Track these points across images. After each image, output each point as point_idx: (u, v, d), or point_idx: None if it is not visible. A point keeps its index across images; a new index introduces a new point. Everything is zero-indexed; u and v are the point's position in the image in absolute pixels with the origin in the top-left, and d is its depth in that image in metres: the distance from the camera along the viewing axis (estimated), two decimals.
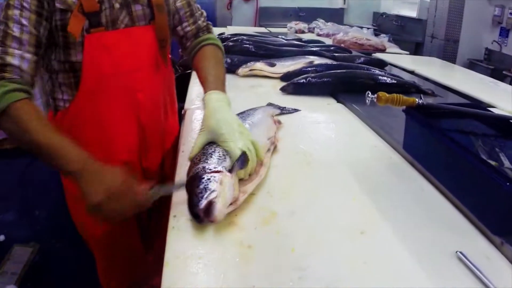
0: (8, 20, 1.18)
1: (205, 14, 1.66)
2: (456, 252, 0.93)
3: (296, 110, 1.81)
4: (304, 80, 2.05)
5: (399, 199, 1.17)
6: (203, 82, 1.43)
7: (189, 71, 3.17)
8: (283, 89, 2.08)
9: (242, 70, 2.34)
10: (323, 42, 3.47)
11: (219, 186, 1.01)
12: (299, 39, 3.53)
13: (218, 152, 1.14)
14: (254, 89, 2.12)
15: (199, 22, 1.59)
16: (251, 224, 1.01)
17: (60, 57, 1.31)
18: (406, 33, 5.72)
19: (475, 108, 1.45)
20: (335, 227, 1.01)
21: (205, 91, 1.34)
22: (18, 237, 2.94)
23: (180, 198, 1.10)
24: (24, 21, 1.18)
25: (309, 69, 2.25)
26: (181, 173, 1.24)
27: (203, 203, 0.96)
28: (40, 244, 2.87)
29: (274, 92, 2.10)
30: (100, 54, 1.31)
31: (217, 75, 1.42)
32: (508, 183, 0.93)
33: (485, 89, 2.49)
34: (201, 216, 0.96)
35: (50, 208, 3.25)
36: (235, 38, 2.84)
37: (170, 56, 3.58)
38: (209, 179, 1.03)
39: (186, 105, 1.84)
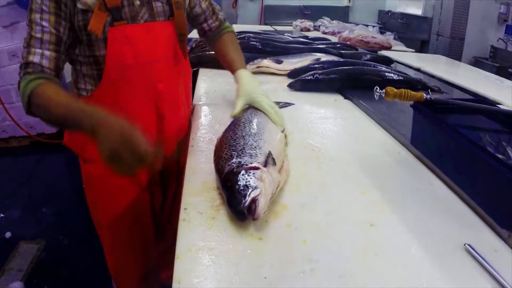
0: (31, 23, 1.28)
1: (219, 7, 1.85)
2: (464, 244, 0.94)
3: (289, 104, 1.85)
4: (311, 77, 2.07)
5: (408, 193, 1.18)
6: (230, 63, 1.71)
7: (195, 68, 3.18)
8: (290, 86, 2.09)
9: (249, 67, 2.33)
10: (329, 40, 3.47)
11: (261, 183, 1.01)
12: (305, 37, 3.53)
13: (249, 148, 1.16)
14: (261, 86, 2.09)
15: (219, 16, 1.81)
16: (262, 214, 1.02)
17: (85, 52, 1.39)
18: (412, 31, 5.69)
19: (482, 104, 1.46)
20: (346, 220, 1.02)
21: (236, 69, 1.66)
22: (25, 234, 2.96)
23: (190, 191, 1.12)
24: (44, 23, 1.28)
25: (316, 66, 2.25)
26: (191, 166, 1.26)
27: (248, 200, 0.96)
28: (47, 241, 2.88)
29: (281, 89, 2.11)
30: (123, 45, 1.38)
31: (240, 58, 1.73)
32: None
33: (491, 87, 2.49)
34: (246, 213, 0.96)
35: (57, 205, 3.27)
36: (241, 36, 2.84)
37: None
38: (248, 175, 1.03)
39: (195, 101, 1.85)
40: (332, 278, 0.84)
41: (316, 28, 4.65)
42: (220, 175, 1.10)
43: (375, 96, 1.37)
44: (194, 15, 1.70)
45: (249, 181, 1.01)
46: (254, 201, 0.95)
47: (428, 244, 0.96)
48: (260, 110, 1.50)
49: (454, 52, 4.84)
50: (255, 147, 1.17)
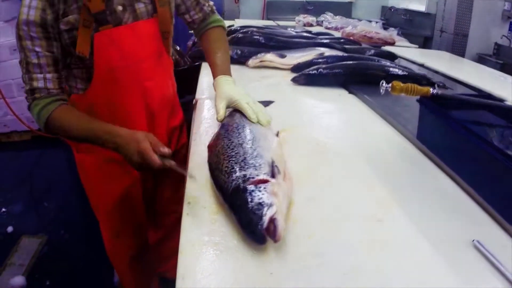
0: (24, 50, 1.33)
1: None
2: (473, 240, 0.93)
3: (269, 102, 1.73)
4: (316, 71, 2.05)
5: (415, 188, 1.17)
6: (211, 66, 1.64)
7: (197, 63, 3.16)
8: (294, 80, 2.07)
9: (252, 61, 2.33)
10: (332, 35, 3.45)
11: (275, 198, 0.91)
12: (309, 32, 3.51)
13: (251, 157, 1.06)
14: (264, 80, 2.12)
15: (205, 8, 1.74)
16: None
17: (76, 61, 1.44)
18: (415, 27, 5.66)
19: (488, 100, 1.44)
20: (352, 215, 1.01)
21: (215, 76, 1.57)
22: (27, 228, 2.96)
23: (194, 185, 1.11)
24: (37, 48, 1.32)
25: (320, 60, 2.24)
26: (194, 160, 1.26)
27: (265, 221, 0.86)
28: (48, 236, 2.88)
29: (285, 83, 2.10)
30: (109, 49, 1.41)
31: (222, 59, 1.63)
32: None
33: (495, 83, 2.47)
34: (266, 236, 0.86)
35: (59, 200, 3.26)
36: (244, 30, 2.83)
37: (178, 48, 3.58)
38: (260, 190, 0.92)
39: (197, 95, 1.84)
40: (338, 274, 0.82)
41: (319, 24, 4.62)
42: (224, 192, 1.00)
43: (381, 90, 1.36)
44: (176, 4, 1.66)
45: (261, 197, 0.90)
46: (272, 220, 0.86)
47: (436, 240, 0.94)
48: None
49: (458, 48, 4.82)
50: (256, 156, 1.06)
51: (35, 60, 1.33)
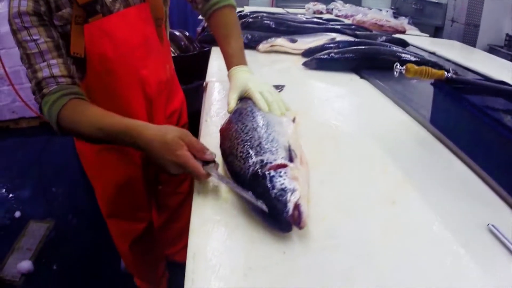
0: (21, 43, 1.21)
1: None
2: (488, 224, 0.91)
3: (282, 86, 1.66)
4: (327, 56, 2.03)
5: (428, 172, 1.15)
6: (224, 56, 1.50)
7: (206, 48, 3.15)
8: (305, 64, 2.05)
9: (262, 46, 2.31)
10: (343, 22, 3.43)
11: (296, 183, 0.87)
12: (320, 18, 3.48)
13: (266, 142, 1.01)
14: (275, 65, 2.10)
15: None
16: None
17: (67, 52, 1.31)
18: (425, 17, 5.61)
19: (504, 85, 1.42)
20: (366, 197, 0.99)
21: (229, 67, 1.44)
22: (34, 213, 2.98)
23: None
24: (35, 36, 1.21)
25: (332, 45, 2.21)
26: (205, 141, 1.23)
27: (290, 208, 0.82)
28: (56, 220, 2.89)
29: (296, 68, 2.08)
30: (101, 40, 1.33)
31: (235, 47, 1.48)
32: None
33: (507, 73, 2.44)
34: (292, 224, 0.83)
35: (67, 185, 3.28)
36: (255, 15, 2.80)
37: (187, 34, 3.55)
38: (280, 176, 0.88)
39: (208, 78, 1.82)
40: (354, 255, 0.81)
41: (329, 11, 4.59)
42: (240, 179, 0.95)
43: (395, 72, 1.34)
44: None
45: (283, 183, 0.86)
46: (296, 206, 0.83)
47: (450, 223, 0.93)
48: None
49: (469, 39, 4.78)
50: (271, 140, 1.01)
51: (34, 50, 1.21)
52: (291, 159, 0.96)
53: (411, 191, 1.04)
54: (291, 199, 0.83)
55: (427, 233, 0.89)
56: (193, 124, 1.66)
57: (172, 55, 3.28)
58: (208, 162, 0.99)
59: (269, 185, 0.87)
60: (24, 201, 3.14)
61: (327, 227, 0.88)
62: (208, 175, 0.98)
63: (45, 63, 1.21)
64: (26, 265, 2.47)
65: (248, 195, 0.89)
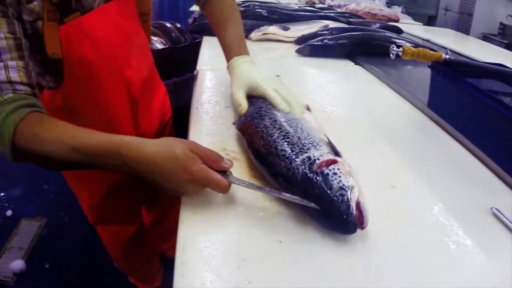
0: None
1: None
2: (491, 208, 0.89)
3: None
4: (321, 42, 1.99)
5: (427, 156, 1.12)
6: (222, 46, 1.36)
7: (198, 39, 3.12)
8: (298, 51, 2.01)
9: (255, 34, 2.27)
10: (336, 10, 3.40)
11: (352, 179, 0.79)
12: (313, 7, 3.45)
13: (304, 137, 0.91)
14: (268, 53, 2.06)
15: None
16: None
17: (36, 57, 1.12)
18: (419, 6, 5.61)
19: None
20: (364, 182, 0.94)
21: (228, 59, 1.30)
22: (26, 212, 2.93)
23: None
24: None
25: (325, 32, 2.18)
26: (195, 129, 1.18)
27: (354, 207, 0.75)
28: (48, 218, 2.86)
29: (289, 55, 2.04)
30: (80, 42, 1.15)
31: (234, 36, 1.34)
32: None
33: (501, 60, 2.42)
34: (357, 225, 0.75)
35: (58, 183, 3.23)
36: (246, 4, 2.77)
37: (178, 25, 3.51)
38: (335, 173, 0.79)
39: (198, 66, 1.78)
40: (353, 241, 0.77)
41: (322, 1, 4.56)
42: (289, 181, 0.83)
43: (391, 55, 1.30)
44: None
45: (340, 181, 0.77)
46: (357, 205, 0.75)
47: (452, 206, 0.90)
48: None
49: (462, 27, 4.78)
50: (308, 135, 0.91)
51: None
52: (337, 153, 0.88)
53: (410, 175, 1.01)
54: (352, 198, 0.76)
55: (429, 217, 0.86)
56: (187, 116, 1.61)
57: (163, 46, 3.27)
58: (223, 171, 0.84)
59: (325, 185, 0.77)
60: (15, 199, 3.08)
61: None
62: (230, 185, 0.84)
63: (1, 64, 0.94)
64: (18, 264, 2.42)
65: (290, 196, 0.81)
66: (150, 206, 2.00)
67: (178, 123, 1.74)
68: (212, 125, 1.19)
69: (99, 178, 1.49)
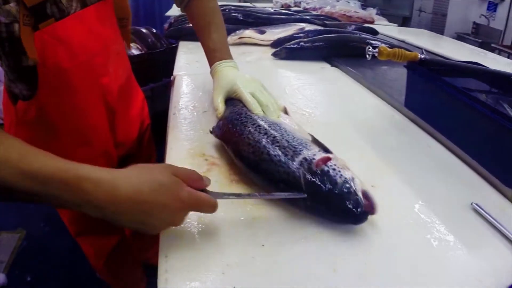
0: None
1: None
2: (471, 203, 0.90)
3: None
4: (297, 45, 2.00)
5: (407, 155, 1.13)
6: (205, 50, 1.36)
7: (174, 44, 3.11)
8: (275, 54, 2.02)
9: (231, 39, 2.27)
10: (311, 13, 3.42)
11: (351, 172, 0.82)
12: (288, 9, 3.47)
13: (292, 139, 0.91)
14: (245, 56, 2.06)
15: None
16: (254, 182, 0.94)
17: (10, 63, 1.10)
18: (393, 8, 5.68)
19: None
20: None
21: (211, 63, 1.31)
22: (4, 224, 2.87)
23: (174, 158, 1.04)
24: None
25: (301, 35, 2.18)
26: (173, 135, 1.17)
27: (361, 196, 0.77)
28: (28, 230, 2.80)
29: (265, 58, 2.05)
30: (55, 49, 1.10)
31: (217, 40, 1.35)
32: None
33: (475, 58, 2.46)
34: (367, 212, 0.77)
35: None
36: (223, 8, 2.76)
37: (154, 31, 3.48)
38: (334, 169, 0.80)
39: (175, 72, 1.77)
40: (336, 242, 0.77)
41: (297, 4, 4.58)
42: (291, 184, 0.82)
43: (367, 56, 1.31)
44: None
45: (342, 175, 0.79)
46: (364, 194, 0.78)
47: (433, 203, 0.91)
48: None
49: (437, 28, 4.86)
50: (294, 136, 0.92)
51: None
52: (327, 150, 0.90)
53: (390, 174, 1.02)
54: (357, 188, 0.78)
55: (410, 215, 0.86)
56: (166, 122, 1.59)
57: (140, 52, 3.25)
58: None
59: (329, 182, 0.78)
60: None
61: (306, 216, 0.84)
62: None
63: None
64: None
65: (281, 194, 0.82)
66: None
67: (157, 129, 1.72)
68: (190, 130, 1.19)
69: None
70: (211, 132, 1.10)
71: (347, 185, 0.78)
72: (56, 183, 0.65)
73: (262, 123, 0.99)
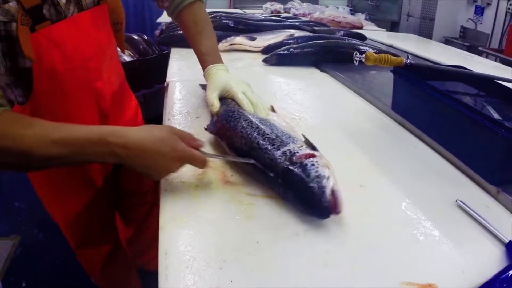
0: None
1: None
2: (456, 200, 0.94)
3: None
4: (287, 51, 2.03)
5: (394, 156, 1.17)
6: (198, 56, 1.44)
7: (166, 51, 3.13)
8: (265, 60, 2.06)
9: (222, 45, 2.30)
10: (301, 19, 3.46)
11: (329, 171, 0.87)
12: (278, 16, 3.51)
13: (281, 133, 0.99)
14: (236, 63, 2.09)
15: None
16: (247, 182, 0.99)
17: (6, 64, 1.09)
18: (381, 13, 5.73)
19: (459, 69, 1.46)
20: None
21: (204, 67, 1.40)
22: None
23: None
24: None
25: (291, 41, 2.23)
26: None
27: (328, 193, 0.82)
28: (22, 236, 2.80)
29: (256, 64, 2.08)
30: (50, 51, 1.13)
31: (209, 46, 1.43)
32: (503, 130, 0.93)
33: (462, 62, 2.50)
34: (331, 209, 0.82)
35: (30, 199, 3.16)
36: (213, 15, 2.80)
37: (145, 37, 3.50)
38: (313, 164, 0.87)
39: (168, 78, 1.80)
40: (327, 239, 0.81)
41: (287, 11, 4.62)
42: (274, 170, 0.91)
43: (355, 61, 1.35)
44: None
45: (317, 170, 0.85)
46: (332, 192, 0.82)
47: (420, 201, 0.95)
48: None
49: (425, 32, 4.91)
50: (282, 131, 1.01)
51: None
52: (314, 148, 0.96)
53: (378, 175, 1.06)
54: (328, 185, 0.83)
55: (398, 213, 0.90)
56: None
57: (131, 59, 3.27)
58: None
59: (304, 173, 0.86)
60: None
61: (298, 213, 0.88)
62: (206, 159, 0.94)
63: None
64: None
65: (250, 160, 0.96)
66: (126, 223, 1.99)
67: None
68: None
69: (74, 198, 1.48)
70: (205, 129, 1.17)
71: (318, 180, 0.84)
72: (88, 143, 0.87)
73: (254, 119, 1.07)
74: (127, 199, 1.85)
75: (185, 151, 0.90)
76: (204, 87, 1.54)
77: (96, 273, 1.82)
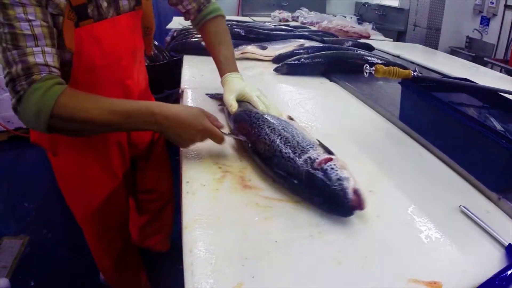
0: (11, 21, 1.04)
1: None
2: (460, 206, 1.00)
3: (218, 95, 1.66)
4: (297, 61, 2.10)
5: (401, 164, 1.23)
6: (216, 63, 1.56)
7: (176, 57, 3.18)
8: (276, 70, 2.12)
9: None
10: (309, 28, 3.51)
11: (347, 172, 0.95)
12: (287, 25, 3.56)
13: (302, 140, 1.07)
14: (247, 71, 2.15)
15: None
16: (266, 186, 1.05)
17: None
18: (388, 22, 5.77)
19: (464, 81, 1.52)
20: None
21: (222, 74, 1.51)
22: (7, 230, 2.91)
23: (190, 165, 1.14)
24: (31, 16, 1.06)
25: (301, 51, 2.29)
26: None
27: (350, 193, 0.90)
28: (30, 236, 2.83)
29: (267, 73, 2.14)
30: (91, 46, 1.27)
31: (227, 56, 1.56)
32: (504, 141, 0.99)
33: (468, 72, 2.55)
34: (355, 207, 0.90)
35: (39, 200, 3.21)
36: None
37: (156, 43, 3.53)
38: (332, 168, 0.95)
39: (182, 85, 1.86)
40: (340, 240, 0.87)
41: (295, 19, 4.67)
42: (295, 177, 0.99)
43: (365, 73, 1.41)
44: None
45: (337, 174, 0.93)
46: (355, 191, 0.90)
47: (425, 206, 1.01)
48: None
49: (431, 42, 4.93)
50: (303, 138, 1.09)
51: (27, 31, 1.04)
52: (330, 152, 1.04)
53: (386, 181, 1.12)
54: (349, 186, 0.91)
55: (404, 217, 0.96)
56: None
57: None
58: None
59: (326, 178, 0.93)
60: None
61: (311, 216, 0.94)
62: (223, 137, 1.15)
63: (39, 48, 1.06)
64: (3, 283, 2.40)
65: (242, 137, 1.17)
66: (141, 212, 2.05)
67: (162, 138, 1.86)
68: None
69: (95, 187, 1.58)
70: (228, 134, 1.22)
71: (340, 182, 0.91)
72: (135, 114, 1.09)
73: (276, 125, 1.17)
74: (143, 195, 1.97)
75: (210, 127, 1.12)
76: (211, 96, 1.67)
77: (108, 271, 1.90)
